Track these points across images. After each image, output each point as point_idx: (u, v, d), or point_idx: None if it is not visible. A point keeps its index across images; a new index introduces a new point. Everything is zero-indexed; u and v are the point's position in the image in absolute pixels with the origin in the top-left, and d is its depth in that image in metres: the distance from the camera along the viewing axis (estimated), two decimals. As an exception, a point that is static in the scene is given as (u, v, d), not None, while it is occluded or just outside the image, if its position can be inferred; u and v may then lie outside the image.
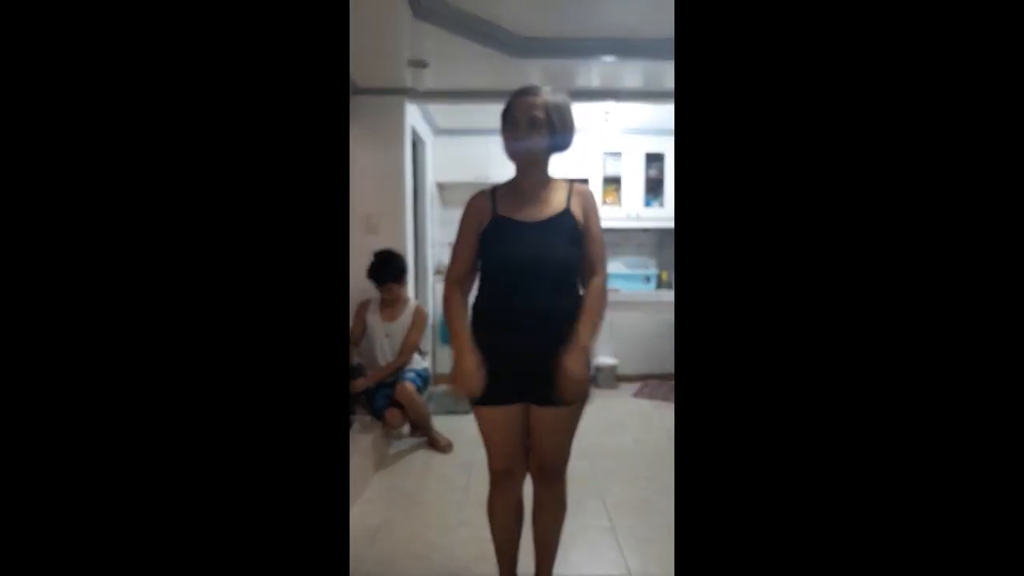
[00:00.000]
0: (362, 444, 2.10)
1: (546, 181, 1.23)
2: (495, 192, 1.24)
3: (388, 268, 2.41)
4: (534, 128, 1.16)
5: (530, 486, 1.31)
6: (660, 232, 4.13)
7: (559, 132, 1.18)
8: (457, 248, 1.25)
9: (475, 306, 1.24)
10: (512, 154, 1.20)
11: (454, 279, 1.24)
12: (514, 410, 1.21)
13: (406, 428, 2.58)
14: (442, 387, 2.99)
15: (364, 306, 2.54)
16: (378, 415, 2.37)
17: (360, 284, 2.56)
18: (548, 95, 1.18)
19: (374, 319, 2.48)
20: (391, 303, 2.48)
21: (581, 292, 1.24)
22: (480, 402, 1.20)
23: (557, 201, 1.21)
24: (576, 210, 1.21)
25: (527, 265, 1.16)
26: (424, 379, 2.55)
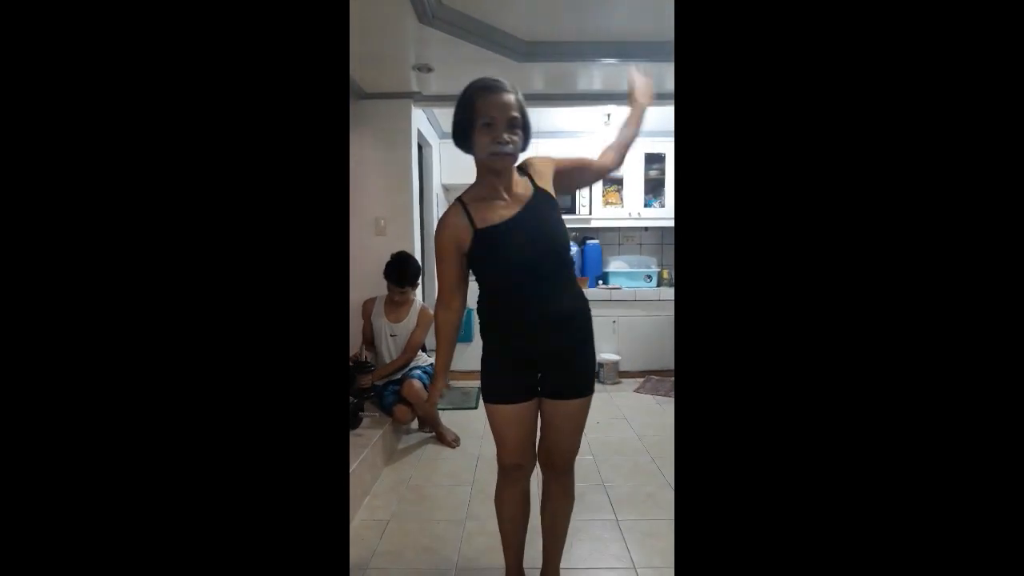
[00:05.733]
0: (372, 439, 2.13)
1: (511, 180, 1.17)
2: (464, 205, 1.17)
3: (409, 272, 2.43)
4: (514, 130, 1.09)
5: (536, 478, 1.32)
6: (661, 231, 4.18)
7: (529, 133, 1.14)
8: (441, 274, 1.20)
9: (482, 313, 1.22)
10: (491, 158, 1.10)
11: (444, 304, 1.21)
12: (527, 406, 1.21)
13: (414, 423, 2.62)
14: (451, 383, 3.03)
15: (369, 305, 2.58)
16: (387, 411, 2.41)
17: (369, 283, 2.60)
18: (515, 91, 1.11)
19: (379, 319, 2.52)
20: (398, 304, 2.52)
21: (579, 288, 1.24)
22: (494, 400, 1.20)
23: (524, 187, 1.17)
24: (543, 183, 1.18)
25: (523, 263, 1.12)
26: (431, 376, 2.60)
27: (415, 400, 2.40)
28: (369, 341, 2.57)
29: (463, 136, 1.14)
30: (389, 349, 2.51)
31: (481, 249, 1.14)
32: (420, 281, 2.62)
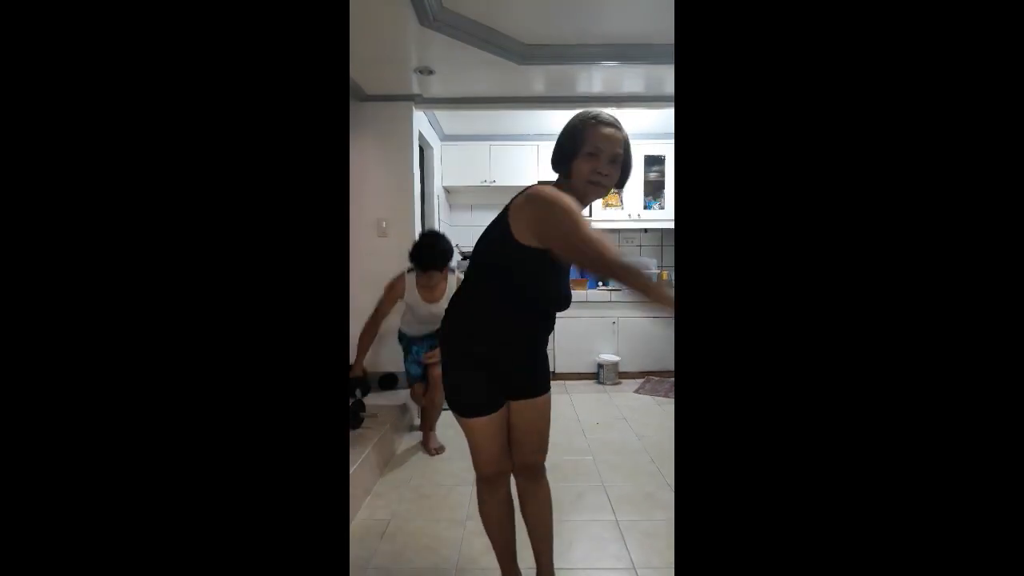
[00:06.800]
0: (373, 440, 2.15)
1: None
2: None
3: (436, 253, 2.23)
4: (615, 165, 1.13)
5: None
6: (660, 232, 4.20)
7: (627, 174, 1.18)
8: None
9: (468, 313, 1.19)
10: (588, 187, 1.12)
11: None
12: (501, 414, 1.22)
13: (416, 420, 2.63)
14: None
15: (400, 284, 2.35)
16: (412, 380, 2.46)
17: (371, 285, 2.61)
18: (624, 132, 1.15)
19: (414, 298, 2.34)
20: (430, 286, 2.33)
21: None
22: (473, 414, 1.20)
23: None
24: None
25: (555, 303, 1.19)
26: None
27: (434, 385, 2.41)
28: (383, 316, 2.34)
29: (563, 161, 1.15)
30: (424, 325, 2.40)
31: (540, 264, 1.09)
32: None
